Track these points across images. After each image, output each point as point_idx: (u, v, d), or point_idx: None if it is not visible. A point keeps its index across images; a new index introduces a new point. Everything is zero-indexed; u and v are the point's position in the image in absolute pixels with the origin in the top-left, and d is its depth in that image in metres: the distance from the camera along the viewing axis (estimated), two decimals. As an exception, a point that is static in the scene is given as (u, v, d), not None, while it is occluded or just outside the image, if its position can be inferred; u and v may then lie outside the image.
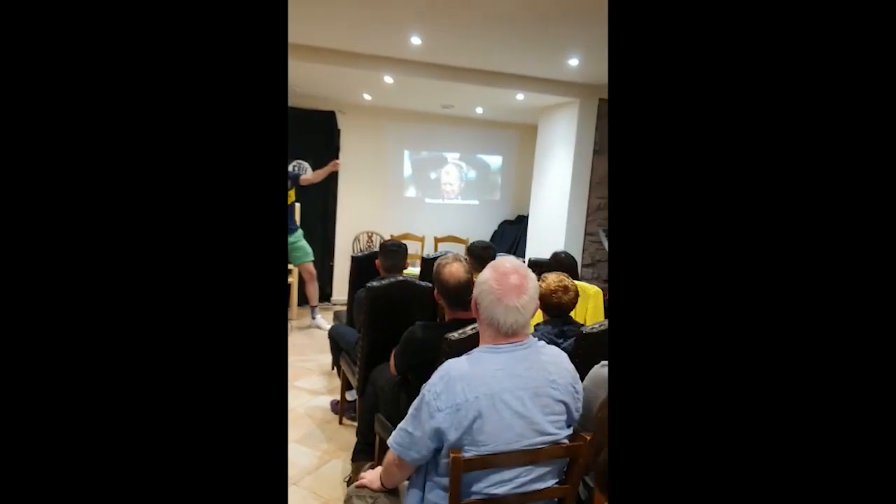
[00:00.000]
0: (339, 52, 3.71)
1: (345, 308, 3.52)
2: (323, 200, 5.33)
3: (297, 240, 4.32)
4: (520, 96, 4.37)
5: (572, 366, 1.34)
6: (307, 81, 4.43)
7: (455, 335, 1.65)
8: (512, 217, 6.30)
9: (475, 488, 1.23)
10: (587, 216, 4.51)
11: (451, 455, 1.18)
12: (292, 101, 4.91)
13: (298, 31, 3.27)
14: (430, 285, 1.99)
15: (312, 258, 4.39)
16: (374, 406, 2.25)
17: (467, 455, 1.19)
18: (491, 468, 1.22)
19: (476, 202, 6.26)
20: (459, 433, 1.19)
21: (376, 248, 2.93)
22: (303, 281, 4.44)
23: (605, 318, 2.63)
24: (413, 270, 3.62)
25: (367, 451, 2.34)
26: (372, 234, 5.73)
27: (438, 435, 1.20)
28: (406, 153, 5.87)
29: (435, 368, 1.29)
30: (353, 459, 2.38)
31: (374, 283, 2.40)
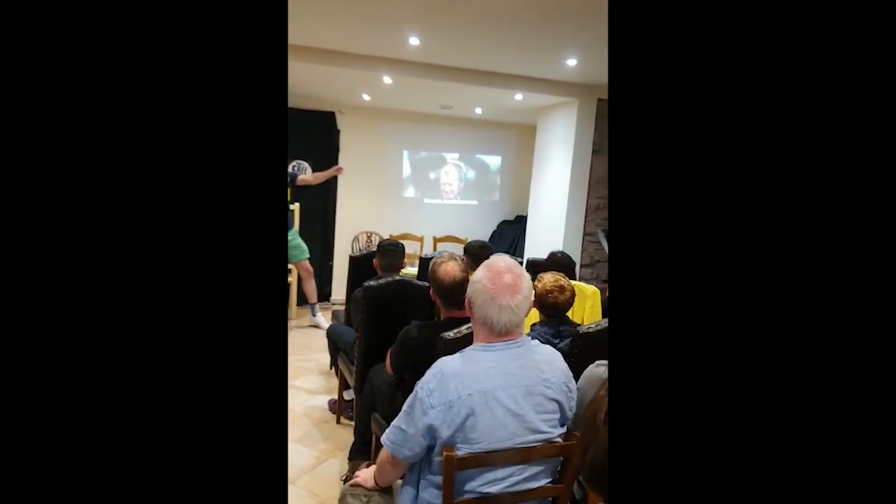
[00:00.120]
0: (338, 53, 3.72)
1: (343, 308, 3.52)
2: (322, 201, 5.33)
3: (293, 238, 4.34)
4: (518, 96, 4.37)
5: (566, 365, 1.34)
6: (306, 82, 4.44)
7: (451, 334, 1.65)
8: (511, 217, 6.30)
9: (468, 487, 1.24)
10: (586, 216, 4.51)
11: (445, 453, 1.19)
12: (291, 101, 4.91)
13: (297, 31, 3.28)
14: (427, 284, 1.99)
15: (308, 255, 4.40)
16: (371, 405, 2.25)
17: (460, 453, 1.19)
18: (484, 466, 1.23)
19: (475, 202, 6.26)
20: (452, 430, 1.19)
21: (375, 248, 2.95)
22: (300, 279, 4.45)
23: (603, 317, 2.63)
24: (411, 270, 3.62)
25: (364, 450, 2.34)
26: (371, 234, 5.74)
27: (431, 432, 1.20)
28: (405, 153, 5.88)
29: (430, 367, 1.29)
30: (351, 459, 2.38)
31: (371, 283, 2.40)
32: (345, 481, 2.32)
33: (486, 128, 6.02)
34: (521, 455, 1.24)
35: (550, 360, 1.32)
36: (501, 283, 1.26)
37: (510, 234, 5.99)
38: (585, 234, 4.54)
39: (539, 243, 4.78)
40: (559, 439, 1.28)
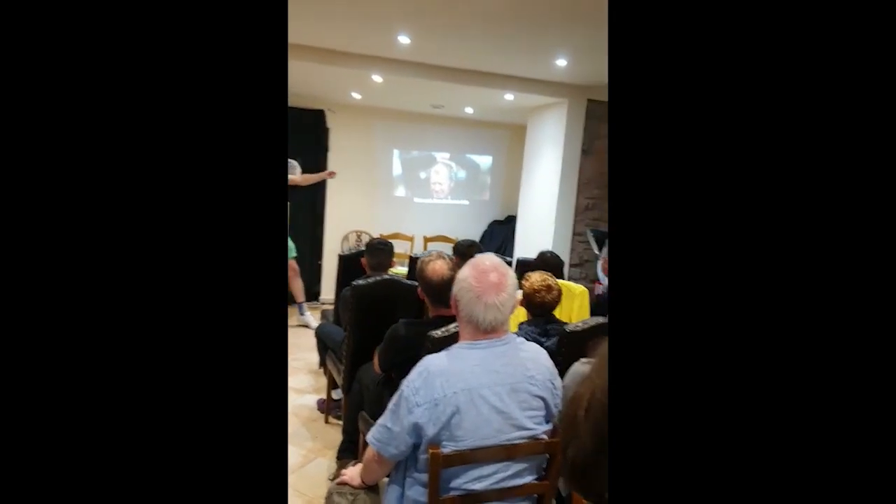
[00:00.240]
0: (328, 51, 3.71)
1: (332, 307, 3.52)
2: (312, 200, 5.31)
3: None
4: (509, 96, 4.38)
5: (551, 362, 1.35)
6: (296, 80, 4.42)
7: (438, 333, 1.66)
8: (501, 217, 6.31)
9: (454, 484, 1.24)
10: (575, 216, 4.53)
11: (430, 451, 1.19)
12: (281, 99, 4.89)
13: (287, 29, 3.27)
14: (416, 283, 2.00)
15: (296, 254, 4.39)
16: (359, 404, 2.25)
17: (446, 450, 1.20)
18: (470, 463, 1.23)
19: (466, 202, 6.27)
20: (437, 428, 1.19)
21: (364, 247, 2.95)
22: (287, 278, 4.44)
23: (592, 316, 2.65)
24: (401, 269, 3.62)
25: (352, 449, 2.34)
26: (361, 233, 5.72)
27: (417, 430, 1.21)
28: (396, 152, 5.87)
29: (418, 366, 1.29)
30: (339, 458, 2.38)
31: (360, 282, 2.40)
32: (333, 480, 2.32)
33: (477, 127, 6.03)
34: (507, 452, 1.25)
35: (535, 357, 1.33)
36: (487, 281, 1.27)
37: (500, 235, 6.00)
38: (575, 233, 4.56)
39: (529, 243, 4.79)
40: (544, 436, 1.29)
